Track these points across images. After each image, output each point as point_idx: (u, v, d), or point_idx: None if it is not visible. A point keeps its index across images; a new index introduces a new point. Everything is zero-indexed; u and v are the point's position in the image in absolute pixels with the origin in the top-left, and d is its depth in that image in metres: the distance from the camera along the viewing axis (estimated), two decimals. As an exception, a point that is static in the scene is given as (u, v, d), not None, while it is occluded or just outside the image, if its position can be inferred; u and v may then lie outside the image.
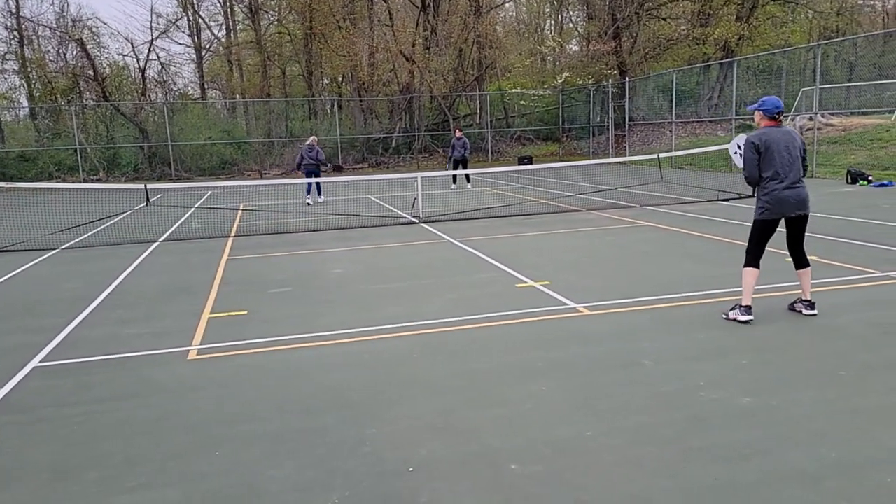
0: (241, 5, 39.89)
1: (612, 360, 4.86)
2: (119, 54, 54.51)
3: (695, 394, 4.20)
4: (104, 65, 35.73)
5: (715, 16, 31.18)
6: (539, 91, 36.75)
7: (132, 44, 52.02)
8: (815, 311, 5.69)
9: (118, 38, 69.72)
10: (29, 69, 35.81)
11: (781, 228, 5.68)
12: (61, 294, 7.89)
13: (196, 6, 40.46)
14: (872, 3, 45.81)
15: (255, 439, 3.84)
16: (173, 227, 13.45)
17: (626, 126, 29.62)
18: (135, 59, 38.20)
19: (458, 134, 20.00)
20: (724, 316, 5.72)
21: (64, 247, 11.41)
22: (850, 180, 16.29)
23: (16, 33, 34.93)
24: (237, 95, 42.00)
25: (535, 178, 22.18)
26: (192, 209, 16.64)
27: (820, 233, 9.44)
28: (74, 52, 34.98)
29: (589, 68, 33.23)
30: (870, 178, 15.91)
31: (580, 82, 33.92)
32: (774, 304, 6.07)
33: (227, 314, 6.62)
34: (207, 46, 42.56)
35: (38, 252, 10.92)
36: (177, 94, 40.40)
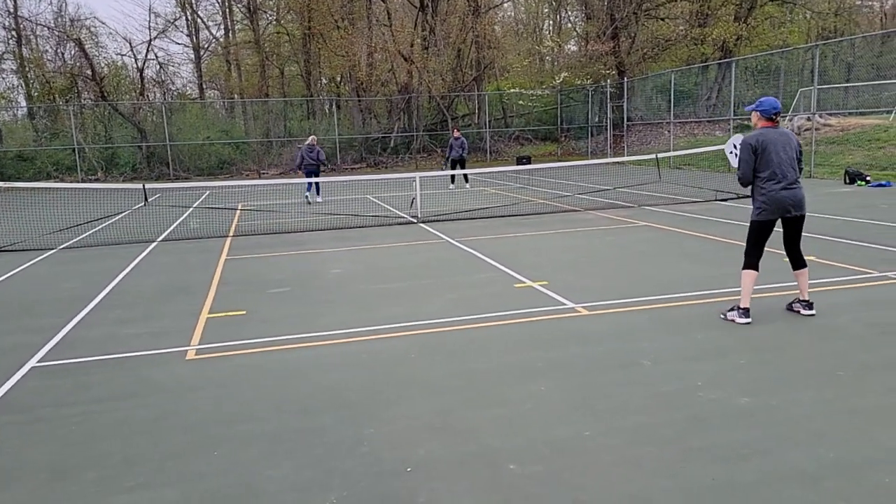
0: (239, 5, 39.87)
1: (610, 360, 4.86)
2: (117, 54, 54.57)
3: (693, 394, 4.20)
4: (102, 65, 35.75)
5: (713, 16, 31.21)
6: (537, 91, 36.76)
7: (130, 43, 51.98)
8: (813, 312, 5.69)
9: (116, 37, 69.88)
10: (27, 69, 35.78)
11: (778, 229, 5.68)
12: (59, 294, 7.88)
13: (194, 6, 40.46)
14: (870, 3, 45.90)
15: (253, 439, 3.83)
16: (171, 227, 13.44)
17: (625, 126, 29.65)
18: (133, 59, 38.24)
19: (456, 134, 20.01)
20: (721, 316, 5.73)
21: (62, 247, 11.40)
22: (847, 180, 16.32)
23: (14, 33, 34.89)
24: (235, 95, 41.99)
25: (533, 178, 22.19)
26: (191, 209, 16.63)
27: (818, 233, 9.45)
28: (72, 52, 35.00)
29: (587, 68, 33.25)
30: (868, 178, 15.93)
31: (578, 82, 33.94)
32: (772, 304, 6.08)
33: (225, 314, 6.62)
34: (206, 46, 42.56)
35: (37, 252, 10.91)
36: (175, 93, 40.38)
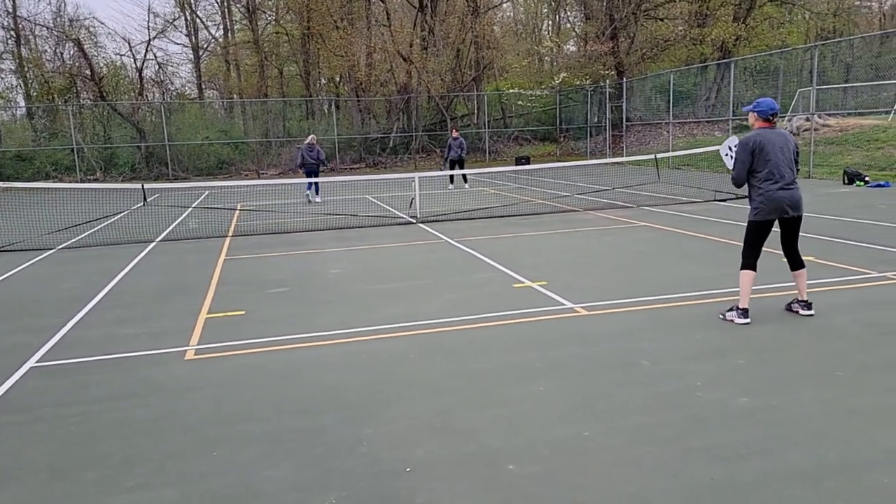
0: (238, 5, 39.86)
1: (609, 361, 4.87)
2: (116, 54, 54.45)
3: (693, 394, 4.21)
4: (101, 64, 35.72)
5: (712, 16, 31.23)
6: (536, 91, 36.77)
7: (129, 43, 51.78)
8: (811, 312, 5.70)
9: (115, 37, 69.69)
10: (26, 69, 35.75)
11: (776, 229, 5.69)
12: (58, 294, 7.87)
13: (193, 6, 40.45)
14: (869, 4, 45.94)
15: (252, 439, 3.83)
16: (170, 227, 13.43)
17: (624, 126, 29.66)
18: (132, 59, 38.21)
19: (455, 134, 20.03)
20: (721, 316, 5.73)
21: (61, 247, 11.39)
22: (846, 181, 16.33)
23: (12, 33, 34.86)
24: (234, 95, 41.99)
25: (532, 179, 22.19)
26: (190, 209, 16.62)
27: (817, 233, 9.46)
28: (71, 52, 34.99)
29: (586, 69, 33.27)
30: (866, 178, 15.95)
31: (577, 83, 33.95)
32: (771, 304, 6.08)
33: (224, 314, 6.62)
34: (205, 46, 42.54)
35: (35, 252, 10.90)
36: (174, 93, 40.36)
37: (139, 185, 13.18)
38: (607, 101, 30.43)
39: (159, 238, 12.05)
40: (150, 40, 37.51)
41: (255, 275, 8.55)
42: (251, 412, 4.23)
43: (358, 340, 5.60)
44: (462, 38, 35.67)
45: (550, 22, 49.52)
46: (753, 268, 5.64)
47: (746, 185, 5.69)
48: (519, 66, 41.59)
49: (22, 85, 36.73)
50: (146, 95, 37.31)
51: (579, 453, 3.52)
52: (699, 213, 12.35)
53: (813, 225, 10.08)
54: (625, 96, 29.41)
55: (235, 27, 41.81)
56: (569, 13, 45.66)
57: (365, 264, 8.95)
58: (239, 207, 16.58)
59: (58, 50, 36.16)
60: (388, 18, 34.92)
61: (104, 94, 32.26)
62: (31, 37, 35.97)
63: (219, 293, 7.57)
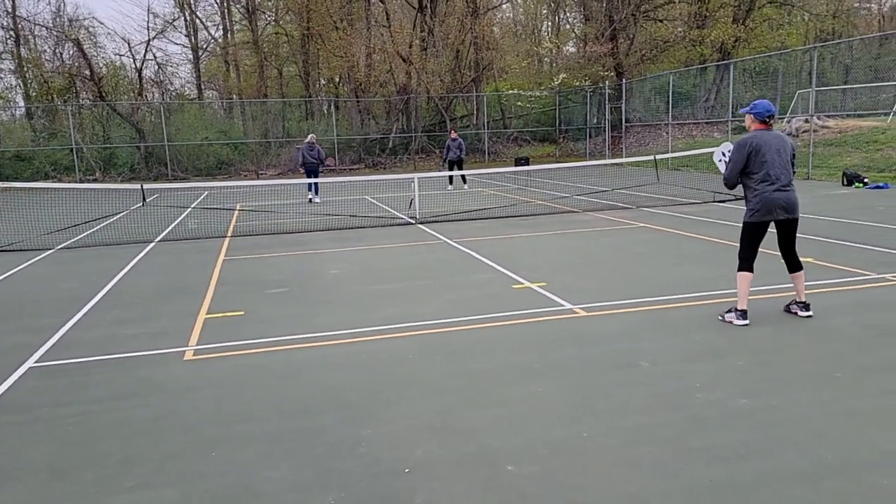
0: (238, 6, 39.87)
1: (608, 361, 4.87)
2: (116, 54, 54.31)
3: (692, 394, 4.21)
4: (101, 65, 35.72)
5: (711, 18, 31.24)
6: (536, 92, 36.80)
7: (129, 44, 51.80)
8: (810, 313, 5.71)
9: (115, 37, 69.73)
10: (25, 69, 35.73)
11: (772, 229, 5.70)
12: (57, 294, 7.87)
13: (193, 6, 40.44)
14: (868, 5, 46.01)
15: (252, 439, 3.84)
16: (170, 228, 13.43)
17: (623, 127, 29.68)
18: (131, 59, 38.18)
19: (454, 135, 20.04)
20: (719, 317, 5.74)
21: (60, 247, 11.39)
22: (845, 182, 16.35)
23: (12, 33, 34.84)
24: (234, 96, 41.99)
25: (531, 180, 22.20)
26: (189, 209, 16.62)
27: (816, 235, 9.47)
28: (71, 52, 34.99)
29: (586, 70, 33.28)
30: (865, 180, 15.97)
31: (577, 84, 33.96)
32: (770, 305, 6.09)
33: (223, 314, 6.62)
34: (204, 47, 42.55)
35: (34, 252, 10.90)
36: (173, 94, 40.36)
37: (138, 186, 13.17)
38: (606, 102, 30.45)
39: (158, 238, 12.05)
40: (149, 40, 37.57)
41: (254, 275, 8.55)
42: (250, 412, 4.23)
43: (357, 341, 5.60)
44: (461, 39, 35.68)
45: (550, 23, 49.58)
46: (750, 269, 5.64)
47: (742, 187, 5.70)
48: (518, 67, 41.61)
49: (21, 85, 36.73)
50: (145, 96, 37.32)
51: (578, 453, 3.52)
52: (698, 214, 12.37)
53: (812, 226, 10.09)
54: (624, 97, 29.43)
55: (235, 27, 41.84)
56: (568, 14, 45.71)
57: (364, 265, 8.95)
58: (238, 208, 16.58)
59: (57, 50, 36.22)
60: (388, 19, 34.92)
61: (103, 95, 32.25)
62: (30, 37, 36.00)
63: (218, 293, 7.57)
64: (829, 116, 23.65)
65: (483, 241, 10.33)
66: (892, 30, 39.73)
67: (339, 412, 4.17)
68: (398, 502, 3.14)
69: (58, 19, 37.27)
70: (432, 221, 12.83)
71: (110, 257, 10.23)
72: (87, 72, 32.56)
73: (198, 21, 41.34)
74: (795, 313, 5.77)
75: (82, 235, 12.56)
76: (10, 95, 38.03)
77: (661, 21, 33.92)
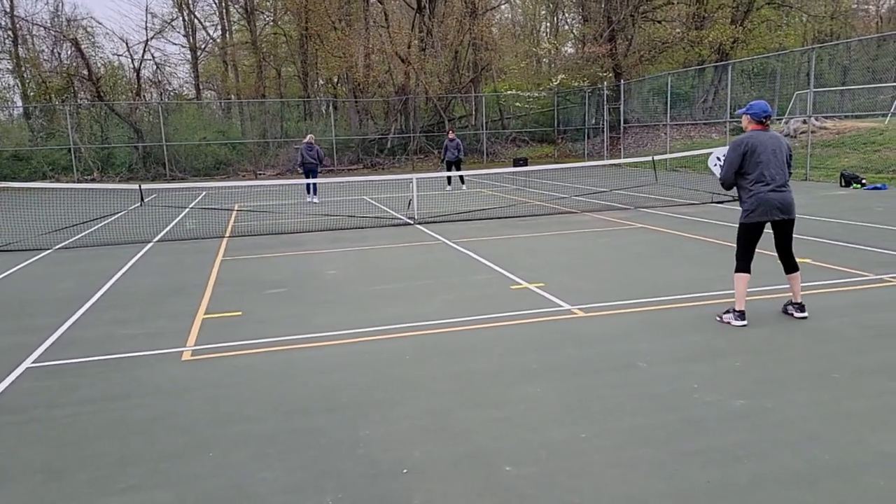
0: (236, 6, 39.86)
1: (606, 362, 4.87)
2: (114, 54, 54.40)
3: (689, 396, 4.21)
4: (99, 65, 35.67)
5: (710, 19, 31.27)
6: (534, 93, 36.79)
7: (127, 44, 51.64)
8: (805, 314, 5.71)
9: (113, 37, 69.76)
10: (23, 68, 35.66)
11: (768, 230, 5.70)
12: (55, 294, 7.86)
13: (191, 6, 40.42)
14: (866, 7, 46.07)
15: (249, 440, 3.83)
16: (168, 228, 13.42)
17: (621, 128, 29.70)
18: (129, 59, 38.15)
19: (451, 135, 20.04)
20: (717, 318, 5.74)
21: (58, 247, 11.37)
22: (843, 183, 16.37)
23: (10, 32, 34.78)
24: (232, 96, 41.95)
25: (529, 180, 22.20)
26: (187, 210, 16.60)
27: (813, 236, 9.48)
28: (69, 52, 34.93)
29: (584, 70, 33.29)
30: (863, 181, 16.00)
31: (575, 84, 33.98)
32: (767, 306, 6.10)
33: (221, 315, 6.61)
34: (203, 47, 42.53)
35: (32, 252, 10.88)
36: (172, 94, 40.32)
37: (136, 186, 13.15)
38: (605, 102, 30.47)
39: (156, 238, 12.04)
40: (147, 41, 37.54)
41: (252, 275, 8.54)
42: (248, 413, 4.22)
43: (356, 341, 5.60)
44: (460, 40, 35.68)
45: (548, 24, 49.60)
46: (747, 270, 5.65)
47: (737, 188, 5.71)
48: (517, 68, 41.62)
49: (19, 84, 36.68)
50: (144, 96, 37.27)
51: (575, 455, 3.52)
52: (696, 215, 12.37)
53: (809, 227, 10.10)
54: (622, 98, 29.45)
55: (233, 28, 41.82)
56: (567, 15, 45.73)
57: (362, 265, 8.95)
58: (236, 208, 16.57)
59: (55, 50, 36.14)
60: (387, 19, 34.92)
61: (101, 95, 32.20)
62: (28, 36, 35.93)
63: (216, 294, 7.57)
64: (826, 117, 23.67)
65: (481, 242, 10.33)
66: (890, 31, 39.80)
67: (337, 413, 4.17)
68: (395, 503, 3.13)
69: (56, 19, 37.27)
70: (431, 222, 12.83)
71: (108, 257, 10.21)
72: (85, 72, 32.51)
73: (196, 21, 41.34)
74: (791, 314, 5.77)
75: (80, 235, 12.54)
76: (7, 95, 38.06)
77: (659, 22, 33.97)
